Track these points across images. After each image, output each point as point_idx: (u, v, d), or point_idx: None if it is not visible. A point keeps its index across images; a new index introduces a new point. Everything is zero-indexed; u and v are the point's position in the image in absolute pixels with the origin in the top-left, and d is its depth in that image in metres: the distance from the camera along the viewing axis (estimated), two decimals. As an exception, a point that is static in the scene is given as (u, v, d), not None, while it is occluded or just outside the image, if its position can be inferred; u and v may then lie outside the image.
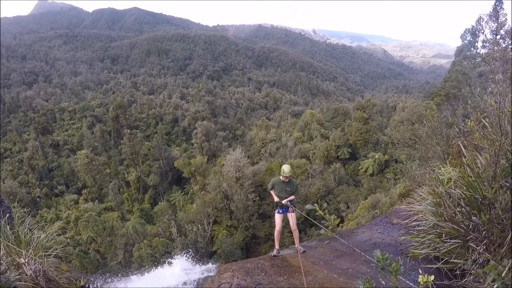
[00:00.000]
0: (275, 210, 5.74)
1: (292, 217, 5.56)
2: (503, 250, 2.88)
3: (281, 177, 5.61)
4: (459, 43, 42.68)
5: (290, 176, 5.58)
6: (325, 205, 3.43)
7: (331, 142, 47.02)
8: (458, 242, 3.29)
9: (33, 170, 62.28)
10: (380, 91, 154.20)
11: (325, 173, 40.13)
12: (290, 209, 5.57)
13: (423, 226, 3.96)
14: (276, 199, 5.64)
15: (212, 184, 36.72)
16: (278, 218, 5.71)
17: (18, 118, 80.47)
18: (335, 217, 3.79)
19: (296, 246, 5.50)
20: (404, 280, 2.55)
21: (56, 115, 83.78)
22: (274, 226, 5.84)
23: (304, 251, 5.23)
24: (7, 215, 3.93)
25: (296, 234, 5.61)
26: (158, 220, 45.60)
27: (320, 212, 3.24)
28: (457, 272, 3.21)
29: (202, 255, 27.08)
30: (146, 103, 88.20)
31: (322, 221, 3.68)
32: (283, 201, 5.54)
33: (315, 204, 3.25)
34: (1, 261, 3.20)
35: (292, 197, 5.60)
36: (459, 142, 5.47)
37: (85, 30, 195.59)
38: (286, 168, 5.53)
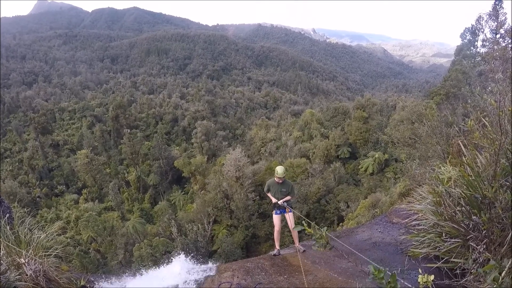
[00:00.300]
0: (272, 211, 5.78)
1: (290, 217, 5.59)
2: (504, 249, 2.88)
3: (275, 178, 5.63)
4: (459, 42, 42.64)
5: (283, 177, 5.59)
6: (313, 222, 3.45)
7: (331, 141, 46.98)
8: (458, 241, 3.29)
9: (33, 170, 62.25)
10: (380, 90, 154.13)
11: (325, 172, 40.09)
12: (287, 210, 5.59)
13: (423, 225, 3.96)
14: (274, 200, 5.66)
15: (212, 183, 36.77)
16: (276, 219, 5.75)
17: (18, 118, 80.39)
18: (326, 229, 3.79)
19: (296, 245, 5.51)
20: (403, 281, 2.55)
21: (56, 115, 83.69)
22: (274, 226, 5.86)
23: (304, 251, 5.23)
24: (7, 215, 3.92)
25: (295, 233, 5.61)
26: (158, 219, 45.62)
27: (309, 230, 3.24)
28: (457, 271, 3.21)
29: (202, 254, 27.07)
30: (146, 103, 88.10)
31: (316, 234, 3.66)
32: (279, 202, 5.57)
33: (304, 223, 3.25)
34: (1, 261, 3.19)
35: (288, 198, 5.62)
36: (459, 141, 5.47)
37: (85, 30, 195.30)
38: (279, 169, 5.55)
